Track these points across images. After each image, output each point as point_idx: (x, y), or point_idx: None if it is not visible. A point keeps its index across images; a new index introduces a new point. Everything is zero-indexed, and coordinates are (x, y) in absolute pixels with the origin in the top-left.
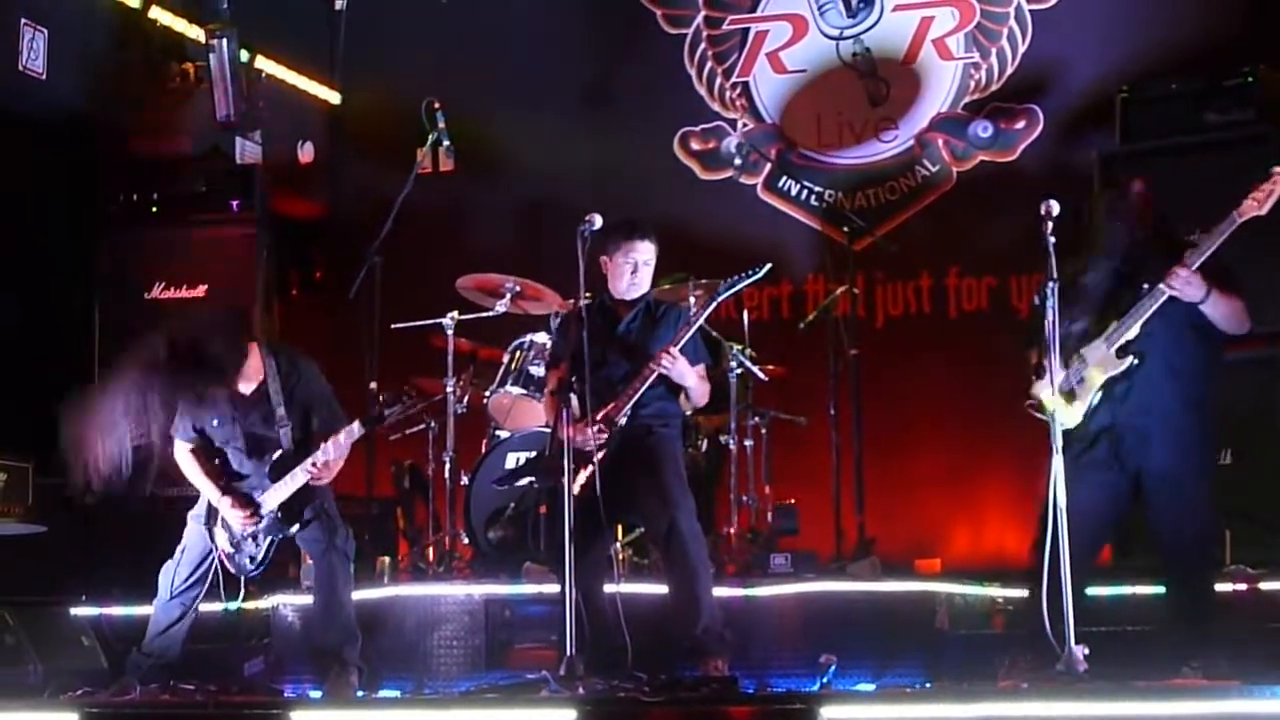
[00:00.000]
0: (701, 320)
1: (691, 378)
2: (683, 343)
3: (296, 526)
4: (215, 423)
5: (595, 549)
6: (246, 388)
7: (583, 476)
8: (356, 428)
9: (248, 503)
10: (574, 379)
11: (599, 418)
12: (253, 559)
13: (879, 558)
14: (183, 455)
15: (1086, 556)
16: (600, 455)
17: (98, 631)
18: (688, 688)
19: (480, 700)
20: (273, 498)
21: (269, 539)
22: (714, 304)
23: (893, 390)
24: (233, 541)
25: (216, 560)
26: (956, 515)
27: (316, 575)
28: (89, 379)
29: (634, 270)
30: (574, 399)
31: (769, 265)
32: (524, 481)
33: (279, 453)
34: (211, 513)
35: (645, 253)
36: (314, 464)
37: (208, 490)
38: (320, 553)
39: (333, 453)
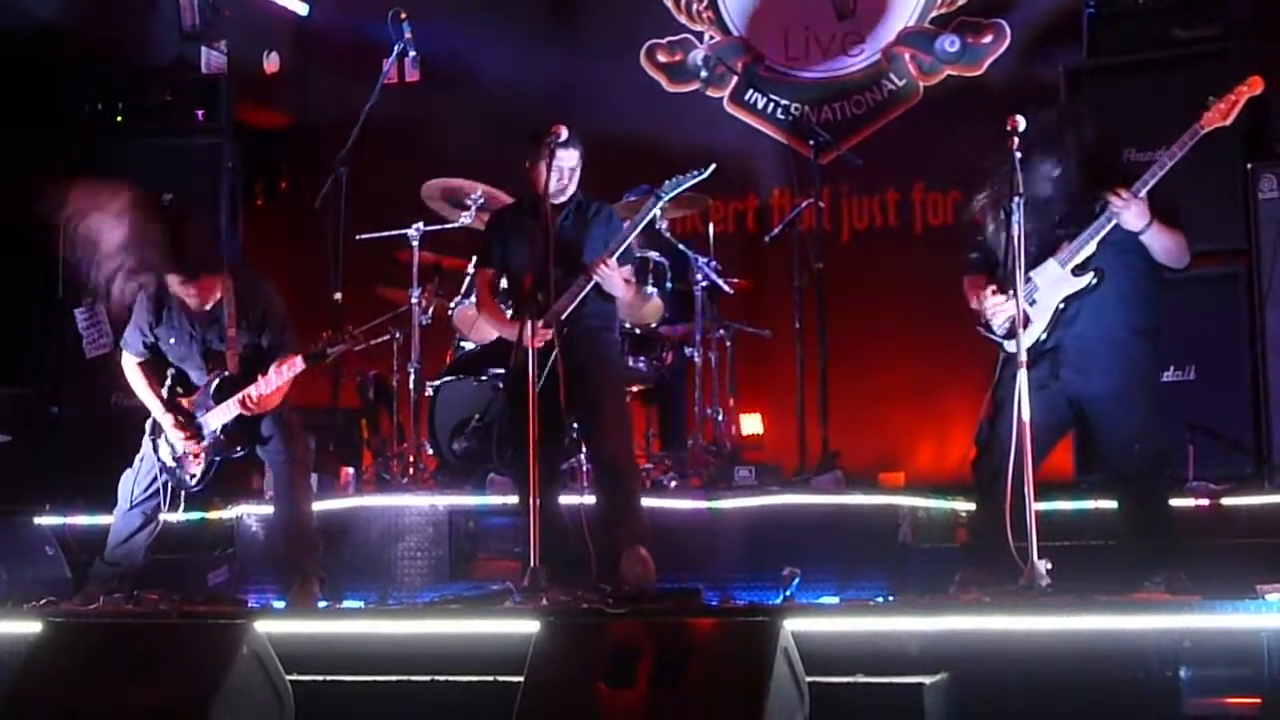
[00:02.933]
0: (643, 224)
1: (621, 288)
2: (621, 249)
3: (240, 451)
4: (172, 340)
5: (548, 459)
6: (204, 305)
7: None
8: (299, 362)
9: (189, 422)
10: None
11: (540, 326)
12: (193, 476)
13: (843, 471)
14: (130, 367)
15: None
16: (550, 357)
17: (61, 541)
18: (651, 599)
19: (444, 611)
20: (214, 419)
21: (210, 459)
22: (658, 205)
23: (857, 304)
24: (175, 457)
25: (159, 473)
26: (920, 429)
27: (276, 486)
28: (53, 291)
29: (560, 177)
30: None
31: (713, 166)
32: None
33: (224, 374)
34: (157, 425)
35: (569, 160)
36: (247, 397)
37: (152, 406)
38: (280, 464)
39: (265, 387)
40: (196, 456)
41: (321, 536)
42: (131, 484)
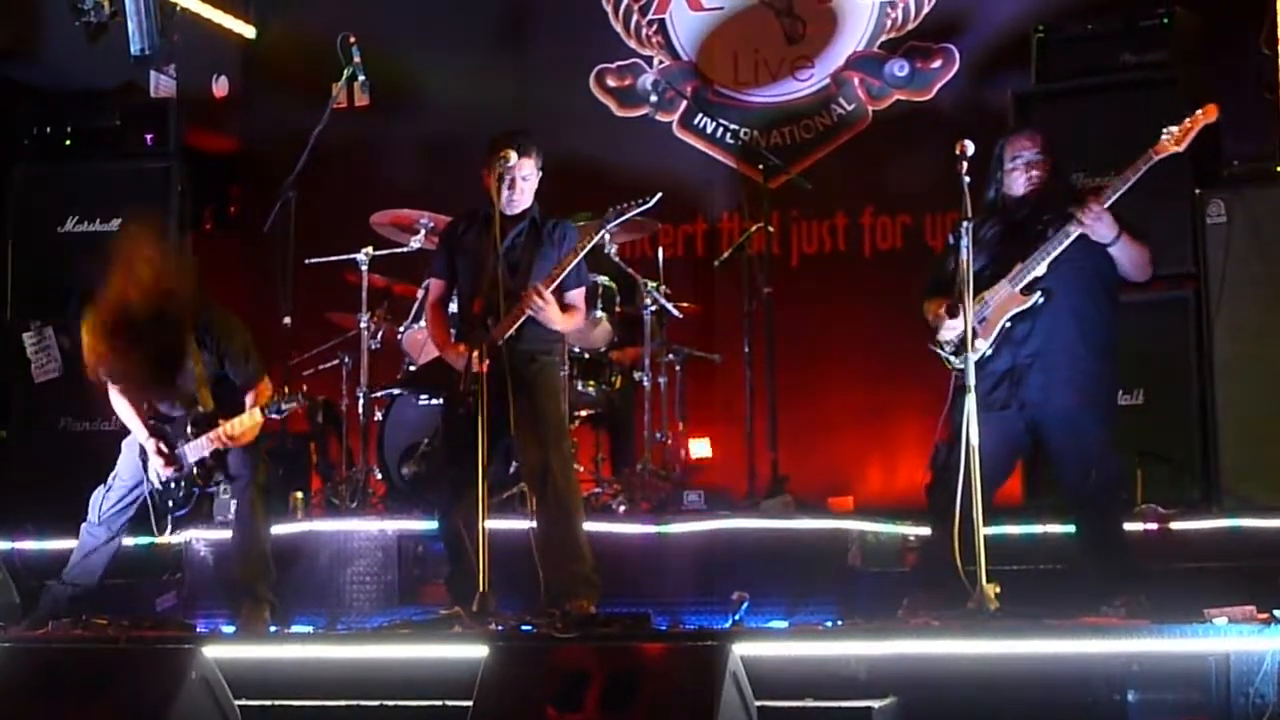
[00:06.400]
0: (585, 252)
1: (559, 321)
2: (561, 277)
3: (216, 484)
4: None
5: (474, 484)
6: None
7: None
8: (258, 414)
9: (170, 451)
10: (454, 293)
11: (475, 354)
12: (175, 502)
13: (792, 495)
14: (115, 395)
15: (984, 498)
16: (482, 381)
17: (9, 565)
18: (600, 624)
19: (393, 636)
20: (191, 452)
21: (190, 490)
22: (601, 234)
23: (807, 328)
24: (161, 480)
25: (146, 492)
26: (869, 453)
27: (237, 510)
28: (2, 314)
29: (510, 184)
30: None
31: (659, 195)
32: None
33: (201, 410)
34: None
35: (521, 168)
36: (221, 436)
37: (137, 431)
38: (241, 488)
39: (238, 429)
40: (177, 484)
41: (273, 562)
42: (101, 499)
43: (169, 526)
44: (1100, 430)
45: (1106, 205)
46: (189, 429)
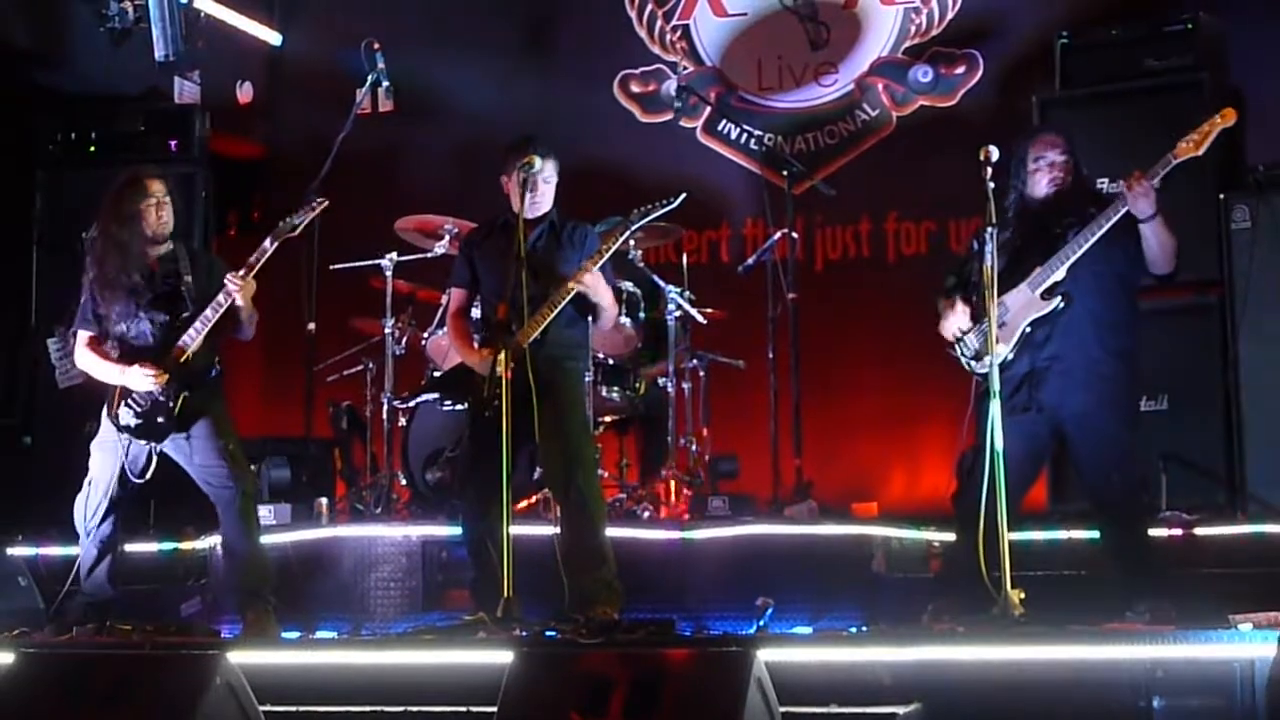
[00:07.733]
0: (613, 250)
1: (608, 295)
2: (598, 266)
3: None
4: (123, 294)
5: (499, 489)
6: (155, 250)
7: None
8: (269, 244)
9: (153, 360)
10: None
11: (500, 359)
12: (168, 416)
13: (816, 501)
14: (82, 351)
15: (1009, 502)
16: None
17: (34, 571)
18: (625, 630)
19: (418, 641)
20: (195, 335)
21: (181, 393)
22: (628, 233)
23: (831, 334)
24: (140, 412)
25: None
26: (894, 459)
27: (233, 522)
28: (26, 320)
29: (532, 187)
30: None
31: (684, 194)
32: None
33: (188, 312)
34: (113, 400)
35: (545, 170)
36: (230, 283)
37: (111, 372)
38: (229, 499)
39: (247, 272)
40: (166, 394)
41: (276, 566)
42: (84, 510)
43: (152, 467)
44: (1120, 432)
45: (1154, 181)
46: (183, 324)
